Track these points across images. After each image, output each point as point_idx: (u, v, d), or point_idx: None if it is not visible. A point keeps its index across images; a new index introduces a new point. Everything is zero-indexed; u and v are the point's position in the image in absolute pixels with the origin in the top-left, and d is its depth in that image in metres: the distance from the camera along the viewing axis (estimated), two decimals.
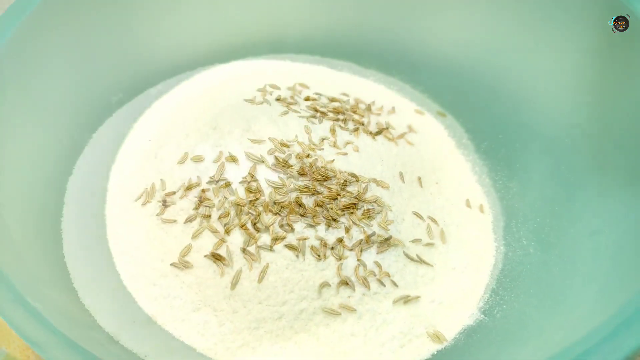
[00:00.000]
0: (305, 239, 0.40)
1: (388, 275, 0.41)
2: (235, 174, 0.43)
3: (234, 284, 0.39)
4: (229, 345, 0.39)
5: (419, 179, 0.48)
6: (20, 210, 0.43)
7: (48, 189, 0.46)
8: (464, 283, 0.44)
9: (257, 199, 0.41)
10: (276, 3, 0.57)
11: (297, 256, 0.40)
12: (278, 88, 0.53)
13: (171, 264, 0.41)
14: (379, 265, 0.41)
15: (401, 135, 0.52)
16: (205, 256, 0.40)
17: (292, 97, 0.52)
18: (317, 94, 0.53)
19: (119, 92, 0.53)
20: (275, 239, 0.40)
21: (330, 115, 0.49)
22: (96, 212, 0.45)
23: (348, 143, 0.47)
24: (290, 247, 0.40)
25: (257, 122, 0.46)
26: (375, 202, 0.44)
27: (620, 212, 0.39)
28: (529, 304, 0.41)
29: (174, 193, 0.43)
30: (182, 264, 0.40)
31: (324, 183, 0.42)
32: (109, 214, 0.45)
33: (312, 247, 0.40)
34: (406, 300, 0.41)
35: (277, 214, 0.41)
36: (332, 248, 0.40)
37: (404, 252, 0.43)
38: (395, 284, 0.41)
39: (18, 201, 0.43)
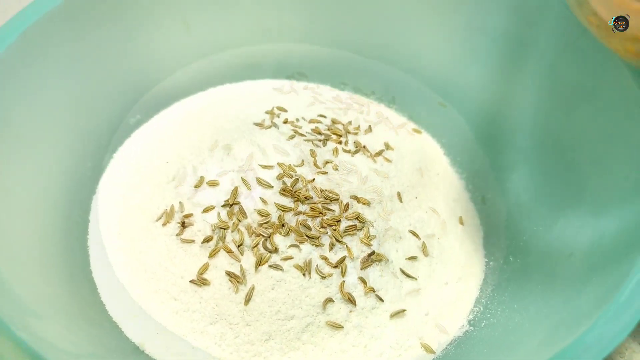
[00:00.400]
0: (311, 259, 0.44)
1: (398, 270, 0.46)
2: (247, 198, 0.46)
3: (247, 300, 0.43)
4: (243, 355, 0.43)
5: (421, 179, 0.54)
6: (48, 228, 0.46)
7: (74, 209, 0.50)
8: (454, 296, 0.48)
9: (267, 222, 0.45)
10: None
11: (304, 275, 0.44)
12: (285, 110, 0.57)
13: (190, 281, 0.44)
14: (384, 263, 0.46)
15: (405, 127, 0.58)
16: (210, 249, 0.45)
17: (297, 120, 0.55)
18: (321, 115, 0.57)
19: (136, 113, 0.57)
20: (284, 259, 0.44)
21: (334, 137, 0.53)
22: (119, 230, 0.49)
23: (346, 152, 0.52)
24: (297, 266, 0.44)
25: (267, 149, 0.50)
26: (376, 194, 0.48)
27: (594, 236, 0.43)
28: (513, 317, 0.45)
29: (191, 215, 0.47)
30: (200, 281, 0.44)
31: (328, 206, 0.46)
32: (132, 233, 0.48)
33: (317, 266, 0.44)
34: (402, 313, 0.45)
35: (285, 235, 0.45)
36: (336, 267, 0.45)
37: (400, 268, 0.47)
38: (400, 282, 0.46)
39: (47, 220, 0.47)
